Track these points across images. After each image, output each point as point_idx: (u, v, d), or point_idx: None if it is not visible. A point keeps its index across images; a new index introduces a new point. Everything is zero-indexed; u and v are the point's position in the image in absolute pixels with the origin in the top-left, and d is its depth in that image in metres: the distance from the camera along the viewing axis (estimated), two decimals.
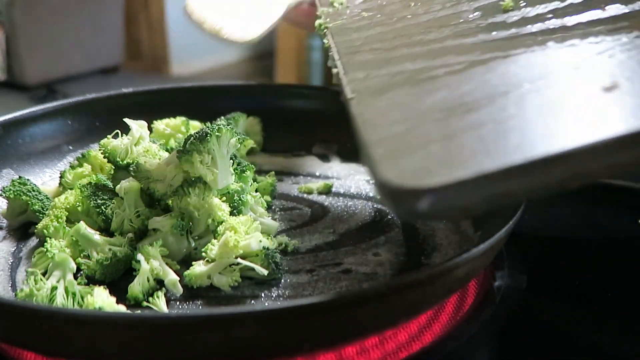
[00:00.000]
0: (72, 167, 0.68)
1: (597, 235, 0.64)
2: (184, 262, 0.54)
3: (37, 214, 0.60)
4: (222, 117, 0.73)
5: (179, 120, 0.73)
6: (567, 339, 0.48)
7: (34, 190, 0.62)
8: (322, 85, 3.87)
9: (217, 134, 0.54)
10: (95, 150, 0.69)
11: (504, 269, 0.57)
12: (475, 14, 0.46)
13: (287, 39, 4.21)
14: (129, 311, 0.48)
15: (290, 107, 0.80)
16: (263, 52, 5.40)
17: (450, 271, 0.43)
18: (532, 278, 0.56)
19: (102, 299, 0.47)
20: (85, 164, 0.65)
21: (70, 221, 0.58)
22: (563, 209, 0.69)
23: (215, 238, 0.53)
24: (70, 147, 0.74)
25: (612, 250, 0.62)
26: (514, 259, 0.59)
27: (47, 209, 0.60)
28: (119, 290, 0.52)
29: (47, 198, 0.63)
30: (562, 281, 0.57)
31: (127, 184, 0.57)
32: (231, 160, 0.58)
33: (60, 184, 0.65)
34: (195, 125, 0.74)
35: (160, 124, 0.73)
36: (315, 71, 3.58)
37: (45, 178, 0.71)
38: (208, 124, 0.57)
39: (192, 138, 0.54)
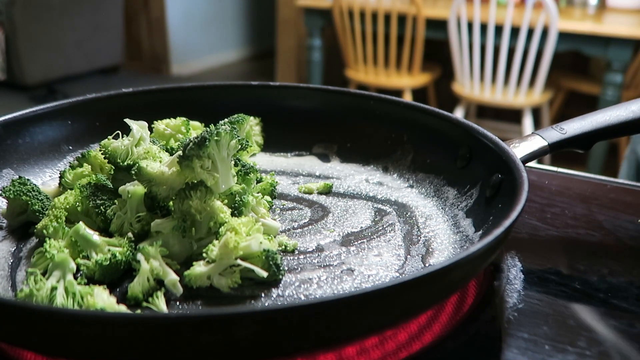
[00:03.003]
0: (72, 167, 0.68)
1: (597, 235, 0.64)
2: (184, 263, 0.54)
3: (37, 214, 0.60)
4: (226, 120, 0.73)
5: (179, 120, 0.73)
6: (567, 338, 0.48)
7: (34, 191, 0.62)
8: (322, 85, 3.84)
9: (216, 138, 0.54)
10: (95, 150, 0.68)
11: (504, 269, 0.57)
12: None
13: (287, 39, 4.21)
14: (129, 311, 0.48)
15: (291, 107, 0.80)
16: (263, 52, 5.41)
17: (450, 271, 0.43)
18: (531, 278, 0.56)
19: (102, 299, 0.47)
20: (85, 164, 0.65)
21: (70, 221, 0.58)
22: (563, 209, 0.69)
23: (217, 239, 0.53)
24: (70, 147, 0.74)
25: (612, 250, 0.62)
26: (513, 258, 0.59)
27: (47, 209, 0.60)
28: (119, 290, 0.52)
29: (47, 198, 0.63)
30: (562, 281, 0.57)
31: (131, 188, 0.57)
32: (233, 162, 0.58)
33: (60, 184, 0.65)
34: (196, 126, 0.74)
35: (160, 125, 0.72)
36: (315, 71, 3.58)
37: (45, 178, 0.71)
38: (211, 126, 0.56)
39: (191, 143, 0.54)
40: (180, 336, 0.37)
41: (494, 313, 0.52)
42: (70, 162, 0.70)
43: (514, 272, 0.57)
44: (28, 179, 0.63)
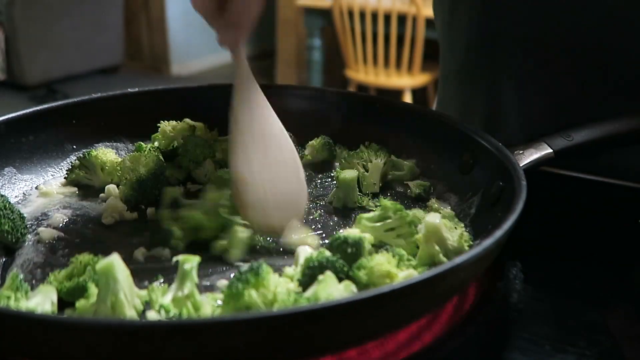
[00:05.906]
0: (74, 166, 0.69)
1: (597, 235, 0.64)
2: None
3: (6, 234, 0.55)
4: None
5: (185, 124, 0.73)
6: (567, 338, 0.49)
7: (5, 208, 0.56)
8: (322, 85, 3.84)
9: None
10: (96, 150, 0.69)
11: (504, 269, 0.57)
12: None
13: (287, 39, 4.21)
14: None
15: (294, 109, 0.78)
16: (263, 52, 5.40)
17: (443, 278, 0.42)
18: (531, 278, 0.57)
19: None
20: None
21: None
22: (562, 210, 0.69)
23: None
24: (74, 147, 0.73)
25: (611, 250, 0.62)
26: (513, 259, 0.59)
27: (18, 230, 0.56)
28: None
29: (21, 217, 0.58)
30: (561, 281, 0.57)
31: None
32: None
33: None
34: (200, 126, 0.74)
35: (167, 126, 0.73)
36: (315, 71, 3.58)
37: (47, 177, 0.70)
38: None
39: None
40: (175, 343, 0.37)
41: (494, 313, 0.52)
42: (72, 162, 0.70)
43: (514, 272, 0.57)
44: (2, 195, 0.58)
